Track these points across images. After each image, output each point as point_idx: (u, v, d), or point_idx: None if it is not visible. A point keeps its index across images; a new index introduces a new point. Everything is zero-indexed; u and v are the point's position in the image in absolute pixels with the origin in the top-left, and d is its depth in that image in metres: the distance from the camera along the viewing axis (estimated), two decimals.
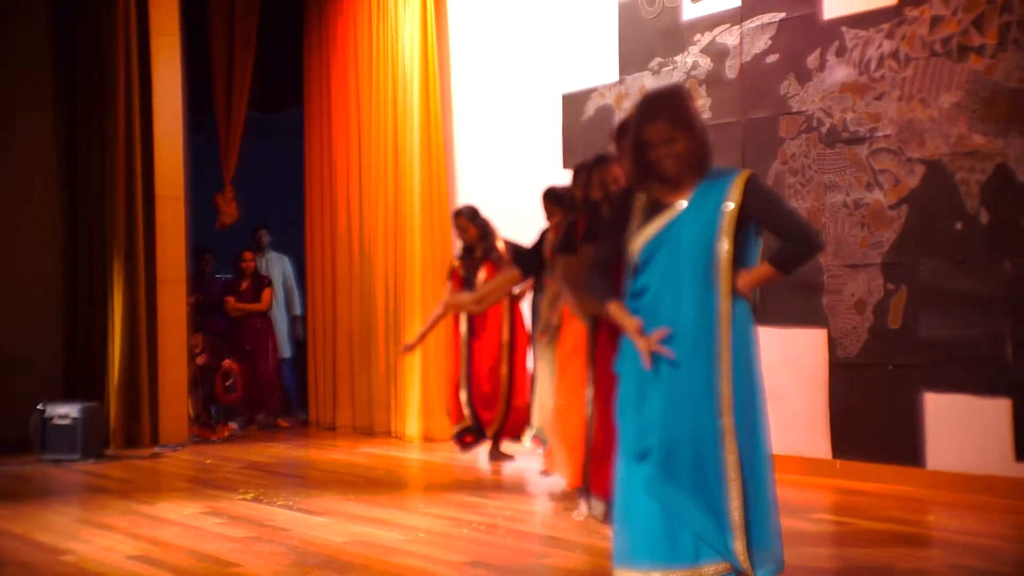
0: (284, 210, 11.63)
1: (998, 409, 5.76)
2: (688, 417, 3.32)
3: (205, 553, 4.81)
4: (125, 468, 7.61)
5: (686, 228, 3.34)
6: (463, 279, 7.51)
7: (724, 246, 3.30)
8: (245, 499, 6.20)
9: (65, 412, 7.89)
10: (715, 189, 3.35)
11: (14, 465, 7.71)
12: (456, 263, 7.66)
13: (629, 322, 3.38)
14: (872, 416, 6.34)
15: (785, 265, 3.38)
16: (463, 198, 9.05)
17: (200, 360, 9.38)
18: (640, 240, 3.39)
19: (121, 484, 6.91)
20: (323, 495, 6.33)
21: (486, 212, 7.69)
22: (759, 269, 3.39)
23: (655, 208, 3.41)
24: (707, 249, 3.31)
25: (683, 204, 3.36)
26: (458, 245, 8.75)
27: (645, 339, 3.32)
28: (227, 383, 9.56)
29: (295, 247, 10.89)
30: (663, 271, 3.35)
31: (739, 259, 3.35)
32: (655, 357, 3.32)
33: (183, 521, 5.57)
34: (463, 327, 7.56)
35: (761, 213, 3.35)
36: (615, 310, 3.43)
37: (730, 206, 3.31)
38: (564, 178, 8.03)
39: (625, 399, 3.46)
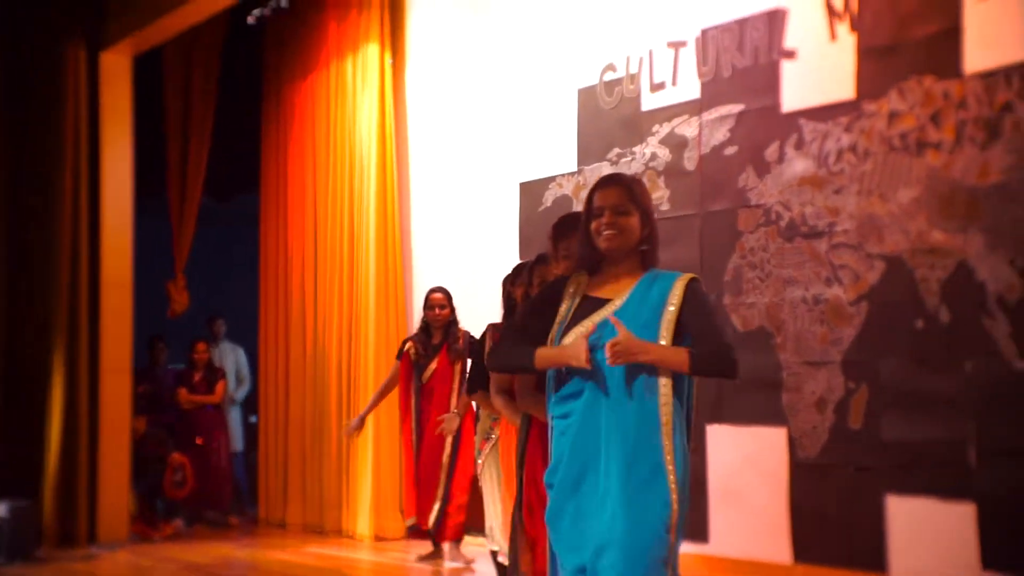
0: (238, 299, 11.39)
1: (962, 514, 5.52)
2: (633, 532, 3.04)
3: None
4: (52, 572, 7.23)
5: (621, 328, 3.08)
6: (413, 364, 7.22)
7: (662, 338, 3.09)
8: None
9: None
10: (655, 288, 3.15)
11: None
12: (410, 345, 7.31)
13: (564, 350, 3.09)
14: (834, 519, 6.09)
15: (697, 363, 3.06)
16: (419, 287, 8.85)
17: (138, 432, 8.99)
18: (571, 337, 3.14)
19: None
20: None
21: None
22: (676, 350, 3.07)
23: (587, 302, 3.18)
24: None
25: (620, 301, 3.15)
26: (414, 327, 8.54)
27: (581, 346, 3.03)
28: (176, 478, 9.21)
29: (249, 337, 10.64)
30: (598, 373, 3.08)
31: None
32: (589, 465, 3.08)
33: None
34: (413, 418, 7.26)
35: (691, 316, 3.12)
36: (544, 353, 3.13)
37: (671, 309, 3.11)
38: None
39: (558, 513, 3.18)
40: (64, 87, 8.63)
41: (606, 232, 3.15)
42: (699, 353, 3.05)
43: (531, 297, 3.40)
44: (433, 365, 7.14)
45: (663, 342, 3.07)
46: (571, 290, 3.22)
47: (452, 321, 7.20)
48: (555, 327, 3.18)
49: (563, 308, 3.21)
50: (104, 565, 7.54)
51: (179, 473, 9.22)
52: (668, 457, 3.04)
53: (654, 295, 3.13)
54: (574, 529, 3.11)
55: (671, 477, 3.04)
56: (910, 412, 5.75)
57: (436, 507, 7.01)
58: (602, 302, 3.17)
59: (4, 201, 9.13)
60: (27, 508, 7.79)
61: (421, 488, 7.09)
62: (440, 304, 7.16)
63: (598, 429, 3.07)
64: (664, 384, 3.08)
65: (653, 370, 3.06)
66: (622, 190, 3.18)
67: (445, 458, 7.03)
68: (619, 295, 3.16)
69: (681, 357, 3.04)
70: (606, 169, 7.42)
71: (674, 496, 3.04)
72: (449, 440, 7.02)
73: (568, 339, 3.12)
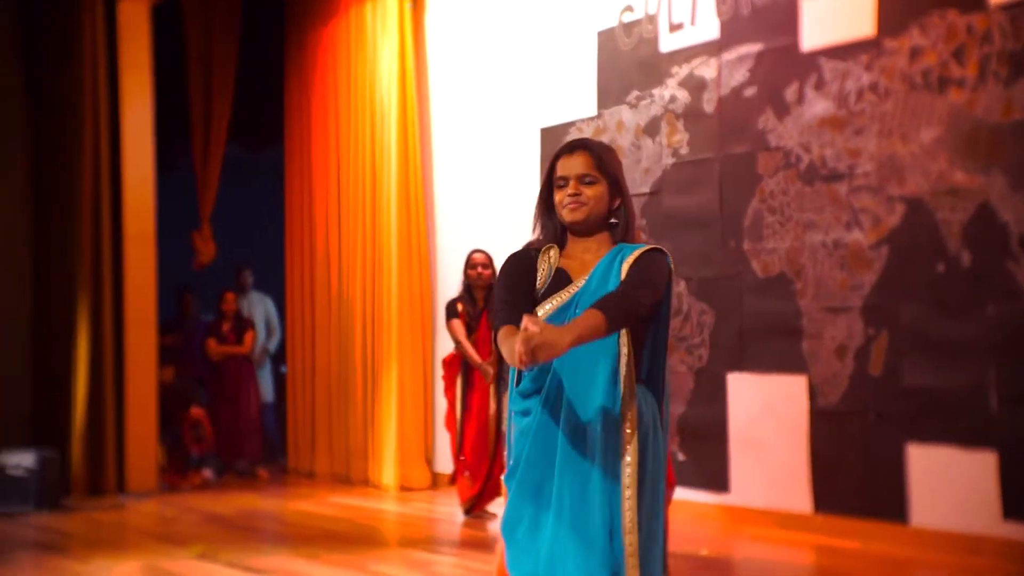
0: (266, 249, 11.36)
1: (983, 462, 5.38)
2: (584, 549, 2.69)
3: None
4: (78, 521, 7.28)
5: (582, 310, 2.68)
6: (467, 324, 7.03)
7: (621, 335, 2.72)
8: (190, 556, 5.88)
9: (18, 461, 7.59)
10: (615, 265, 2.77)
11: None
12: (460, 305, 7.08)
13: (505, 342, 2.65)
14: (854, 468, 5.98)
15: (611, 319, 2.57)
16: (440, 234, 8.78)
17: (165, 383, 9.01)
18: (540, 312, 2.80)
19: (64, 539, 6.59)
20: (274, 552, 6.01)
21: (463, 248, 7.39)
22: (588, 316, 2.56)
23: (558, 275, 2.84)
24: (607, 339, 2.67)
25: (581, 282, 2.80)
26: (443, 285, 8.44)
27: (515, 346, 2.45)
28: (196, 433, 9.23)
29: (277, 287, 10.62)
30: (558, 364, 2.72)
31: (643, 347, 2.81)
32: (547, 472, 2.74)
33: None
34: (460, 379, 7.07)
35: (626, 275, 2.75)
36: (528, 320, 2.48)
37: (626, 270, 2.75)
38: None
39: (515, 519, 2.79)
40: (81, 38, 8.57)
41: (569, 204, 2.81)
42: (606, 306, 2.58)
43: (503, 272, 2.88)
44: (476, 333, 6.97)
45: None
46: (544, 262, 2.86)
47: (493, 283, 7.00)
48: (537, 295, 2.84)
49: (541, 276, 2.85)
50: (130, 514, 7.59)
51: (197, 429, 9.24)
52: (628, 459, 2.69)
53: (614, 273, 2.76)
54: (529, 539, 2.76)
55: (627, 482, 2.70)
56: (931, 358, 5.61)
57: (487, 467, 6.84)
58: (567, 280, 2.83)
59: (25, 156, 9.15)
60: (55, 458, 7.86)
61: (471, 453, 6.91)
62: (483, 264, 6.92)
63: (556, 430, 2.73)
64: (625, 368, 2.72)
65: (606, 354, 2.71)
66: (588, 157, 2.82)
67: (492, 414, 6.85)
68: (581, 275, 2.82)
69: (596, 321, 2.54)
70: (625, 113, 7.28)
71: (630, 503, 2.69)
72: (494, 396, 6.84)
73: (539, 314, 2.78)
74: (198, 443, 9.19)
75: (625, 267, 2.75)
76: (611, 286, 2.73)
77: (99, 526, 7.12)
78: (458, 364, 7.00)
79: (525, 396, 2.80)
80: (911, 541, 5.65)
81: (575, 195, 2.81)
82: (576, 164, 2.83)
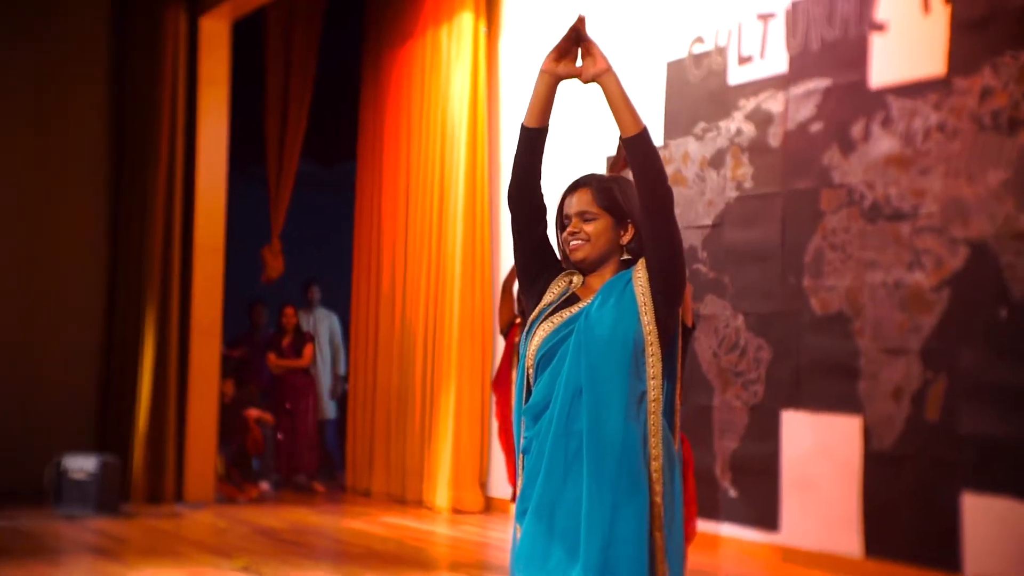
0: (334, 266, 11.48)
1: None
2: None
3: None
4: (135, 527, 7.41)
5: (596, 322, 2.63)
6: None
7: (646, 326, 2.60)
8: (234, 568, 5.94)
9: (81, 466, 7.74)
10: (619, 284, 2.69)
11: (26, 518, 7.55)
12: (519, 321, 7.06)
13: None
14: (907, 514, 5.85)
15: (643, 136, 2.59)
16: (504, 262, 8.79)
17: (227, 396, 9.11)
18: (538, 337, 2.70)
19: (119, 544, 6.71)
20: (316, 568, 6.05)
21: None
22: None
23: (571, 299, 2.75)
24: (625, 339, 2.60)
25: (587, 301, 2.71)
26: (498, 303, 8.44)
27: None
28: (253, 434, 9.28)
29: (344, 304, 10.73)
30: (566, 378, 2.62)
31: (667, 349, 2.64)
32: (559, 499, 2.59)
33: None
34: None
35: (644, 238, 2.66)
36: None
37: (640, 277, 2.65)
38: None
39: (530, 554, 2.62)
40: (163, 52, 8.77)
41: (572, 243, 2.74)
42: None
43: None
44: None
45: (646, 327, 2.62)
46: (564, 282, 2.79)
47: None
48: (536, 311, 2.76)
49: (555, 292, 2.78)
50: (185, 523, 7.69)
51: (254, 428, 9.26)
52: (657, 500, 2.56)
53: (617, 290, 2.67)
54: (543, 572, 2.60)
55: (656, 524, 2.56)
56: (990, 405, 5.47)
57: None
58: (576, 299, 2.74)
59: (104, 166, 9.39)
60: (116, 464, 8.00)
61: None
62: None
63: (567, 455, 2.60)
64: (653, 388, 2.59)
65: (632, 377, 2.58)
66: (588, 193, 2.74)
67: None
68: (589, 296, 2.73)
69: (634, 114, 2.62)
70: (691, 145, 7.24)
71: (661, 554, 2.56)
72: None
73: (541, 330, 2.70)
74: (254, 444, 9.22)
75: (639, 275, 2.65)
76: (613, 302, 2.64)
77: (153, 534, 7.23)
78: (508, 383, 6.99)
79: (534, 413, 2.68)
80: None
81: (575, 232, 2.75)
82: (575, 201, 2.76)
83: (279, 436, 9.61)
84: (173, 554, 6.48)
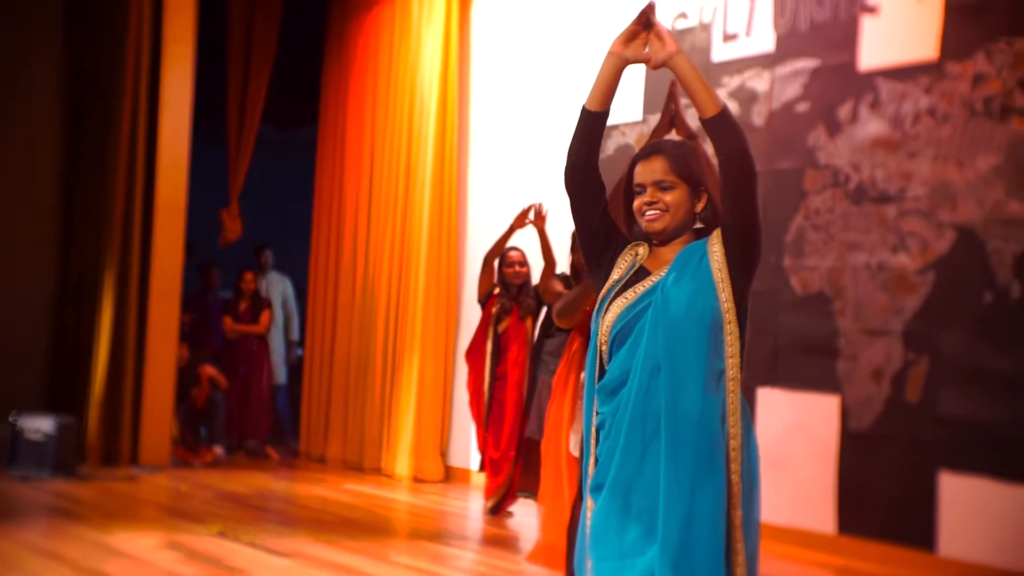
0: (289, 229, 11.32)
1: (1018, 497, 5.34)
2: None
3: None
4: (95, 489, 7.24)
5: (673, 298, 2.58)
6: (497, 316, 7.01)
7: (724, 303, 2.55)
8: (210, 533, 5.84)
9: (38, 426, 7.53)
10: (694, 252, 2.65)
11: None
12: (495, 297, 7.01)
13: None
14: (883, 493, 5.93)
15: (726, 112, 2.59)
16: (473, 230, 8.74)
17: (182, 360, 8.91)
18: (611, 314, 2.65)
19: (85, 508, 6.55)
20: (294, 534, 5.96)
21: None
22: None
23: (640, 272, 2.70)
24: (703, 315, 2.55)
25: (662, 274, 2.66)
26: (471, 280, 8.37)
27: None
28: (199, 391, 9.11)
29: (297, 269, 10.58)
30: (644, 355, 2.57)
31: (743, 326, 2.59)
32: (634, 480, 2.57)
33: (137, 554, 5.22)
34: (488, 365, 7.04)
35: (728, 224, 2.61)
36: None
37: (716, 251, 2.61)
38: None
39: (604, 536, 2.59)
40: (128, 10, 8.53)
41: (648, 213, 2.66)
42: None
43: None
44: (507, 321, 6.98)
45: (724, 303, 2.57)
46: (631, 255, 2.74)
47: (528, 281, 7.01)
48: (606, 287, 2.70)
49: (622, 268, 2.72)
50: (144, 487, 7.54)
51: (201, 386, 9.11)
52: (734, 479, 2.52)
53: (694, 260, 2.62)
54: (620, 562, 2.56)
55: (734, 502, 2.52)
56: (971, 388, 5.56)
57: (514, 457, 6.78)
58: (646, 273, 2.69)
59: (63, 121, 9.13)
60: (72, 426, 7.80)
61: (505, 443, 6.88)
62: (519, 262, 6.94)
63: (644, 433, 2.56)
64: (732, 366, 2.54)
65: (705, 345, 2.53)
66: (664, 161, 2.67)
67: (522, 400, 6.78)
68: (661, 268, 2.68)
69: (711, 94, 2.61)
70: None
71: (739, 533, 2.52)
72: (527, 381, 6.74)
73: (615, 306, 2.65)
74: (202, 400, 9.05)
75: (714, 248, 2.61)
76: (689, 277, 2.59)
77: (115, 496, 7.08)
78: (482, 354, 6.98)
79: (608, 393, 2.64)
80: (937, 570, 5.61)
81: (652, 203, 2.68)
82: (653, 170, 2.69)
83: (229, 401, 9.46)
84: (141, 518, 6.36)
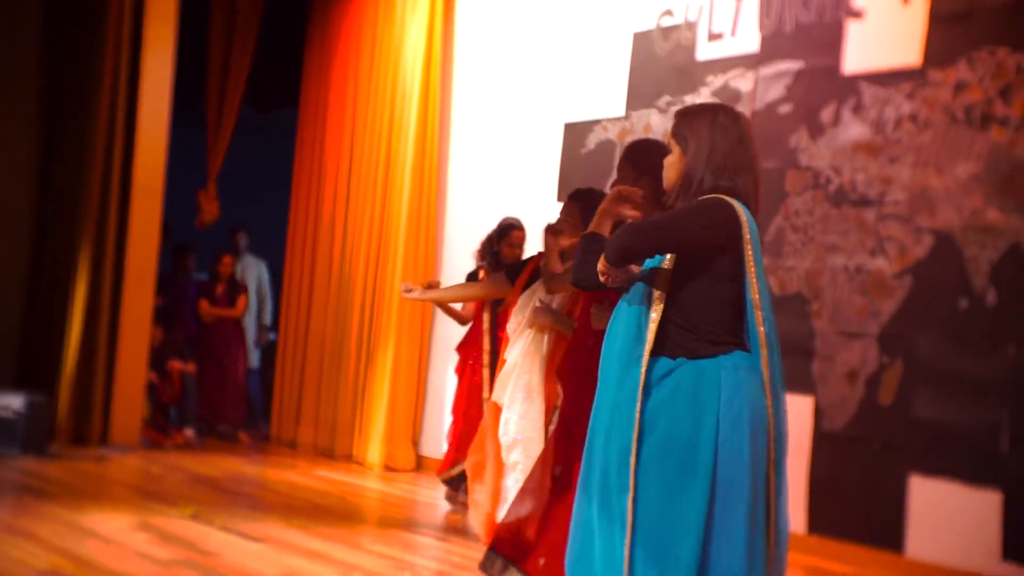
0: (265, 213, 11.26)
1: (987, 501, 5.40)
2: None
3: (120, 574, 4.43)
4: (66, 469, 7.20)
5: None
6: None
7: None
8: (183, 516, 5.83)
9: (8, 403, 7.48)
10: None
11: None
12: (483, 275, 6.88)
13: None
14: (854, 494, 5.99)
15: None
16: (452, 220, 8.74)
17: (155, 342, 8.85)
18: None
19: (56, 487, 6.51)
20: (266, 519, 5.96)
21: (473, 236, 7.32)
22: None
23: None
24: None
25: None
26: (449, 270, 8.36)
27: None
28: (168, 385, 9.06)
29: (272, 252, 10.53)
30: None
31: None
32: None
33: (109, 535, 5.20)
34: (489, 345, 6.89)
35: None
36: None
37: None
38: (556, 209, 7.72)
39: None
40: None
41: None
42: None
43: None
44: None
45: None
46: None
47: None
48: None
49: None
50: (114, 468, 7.51)
51: (170, 382, 9.05)
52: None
53: None
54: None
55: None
56: (944, 392, 5.62)
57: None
58: None
59: (41, 97, 9.04)
60: (43, 404, 7.75)
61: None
62: (519, 244, 6.76)
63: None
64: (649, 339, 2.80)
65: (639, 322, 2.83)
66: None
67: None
68: None
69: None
70: (654, 117, 7.26)
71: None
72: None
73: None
74: (168, 395, 9.02)
75: None
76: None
77: (86, 476, 7.05)
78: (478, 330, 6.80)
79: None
80: (905, 571, 5.67)
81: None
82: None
83: (203, 383, 9.42)
84: (112, 498, 6.33)
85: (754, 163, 2.89)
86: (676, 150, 2.88)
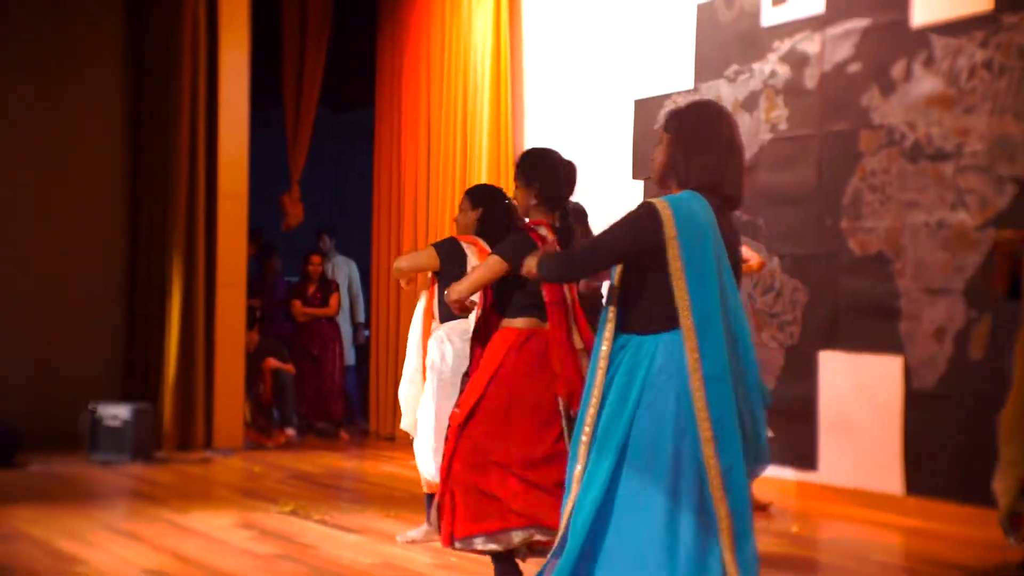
0: (349, 213, 11.42)
1: None
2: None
3: (222, 571, 4.58)
4: (172, 472, 7.44)
5: None
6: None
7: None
8: (282, 512, 5.98)
9: (116, 413, 7.75)
10: None
11: (61, 464, 7.57)
12: None
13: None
14: (949, 452, 5.90)
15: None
16: None
17: (252, 345, 9.05)
18: None
19: (162, 489, 6.73)
20: (363, 511, 6.08)
21: None
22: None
23: None
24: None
25: None
26: None
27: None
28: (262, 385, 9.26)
29: (359, 251, 10.69)
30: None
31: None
32: None
33: (211, 533, 5.36)
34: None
35: None
36: None
37: None
38: (635, 186, 7.73)
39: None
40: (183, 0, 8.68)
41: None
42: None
43: None
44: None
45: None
46: None
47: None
48: None
49: None
50: (219, 469, 7.72)
51: (265, 381, 9.23)
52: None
53: None
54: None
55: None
56: None
57: None
58: None
59: (124, 112, 9.33)
60: (149, 412, 8.01)
61: None
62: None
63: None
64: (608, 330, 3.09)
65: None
66: (663, 126, 3.17)
67: None
68: None
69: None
70: (724, 87, 7.21)
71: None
72: None
73: None
74: (266, 396, 9.21)
75: None
76: None
77: (190, 479, 7.26)
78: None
79: None
80: None
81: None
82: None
83: (301, 382, 9.61)
84: (215, 499, 6.51)
85: (730, 152, 3.03)
86: (664, 142, 3.08)
